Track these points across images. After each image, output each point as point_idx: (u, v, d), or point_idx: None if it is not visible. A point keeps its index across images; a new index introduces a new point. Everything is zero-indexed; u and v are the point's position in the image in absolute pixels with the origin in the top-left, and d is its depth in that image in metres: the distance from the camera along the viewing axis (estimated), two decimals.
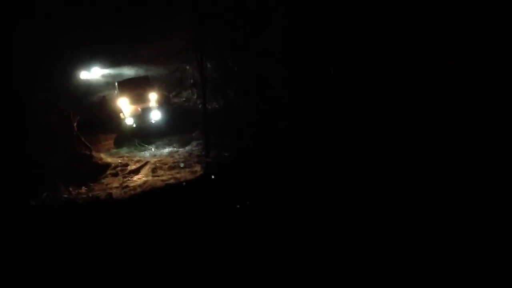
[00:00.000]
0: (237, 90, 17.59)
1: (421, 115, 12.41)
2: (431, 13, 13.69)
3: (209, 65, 16.50)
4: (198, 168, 14.42)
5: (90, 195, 13.31)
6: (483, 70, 12.40)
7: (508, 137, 10.40)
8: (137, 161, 15.68)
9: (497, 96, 11.76)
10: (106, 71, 20.47)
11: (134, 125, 17.45)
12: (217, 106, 17.78)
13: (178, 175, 14.13)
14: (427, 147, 11.06)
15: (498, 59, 12.36)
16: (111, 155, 16.45)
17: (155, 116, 17.66)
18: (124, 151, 16.89)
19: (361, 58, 14.50)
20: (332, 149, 12.21)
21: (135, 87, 18.17)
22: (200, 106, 14.59)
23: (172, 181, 13.69)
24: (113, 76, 20.56)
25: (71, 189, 13.81)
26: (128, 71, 21.14)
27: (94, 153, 15.94)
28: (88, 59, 19.34)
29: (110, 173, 14.96)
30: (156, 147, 16.95)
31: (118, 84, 18.30)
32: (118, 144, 17.40)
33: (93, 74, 20.31)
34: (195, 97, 19.20)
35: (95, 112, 18.07)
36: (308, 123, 14.11)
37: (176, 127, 17.81)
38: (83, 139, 16.07)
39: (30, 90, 14.61)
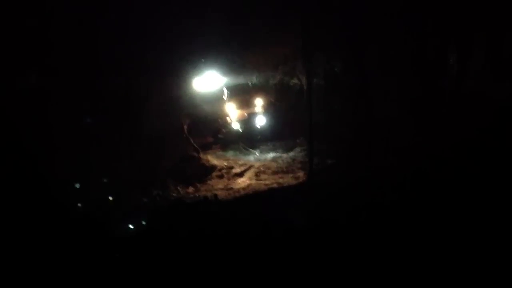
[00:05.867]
0: (343, 99, 17.35)
1: None
2: None
3: (315, 73, 16.46)
4: (301, 174, 14.40)
5: (197, 195, 13.81)
6: None
7: None
8: (242, 165, 16.07)
9: None
10: (217, 79, 21.19)
11: (240, 130, 17.99)
12: (322, 114, 17.69)
13: (281, 180, 14.17)
14: None
15: None
16: (217, 157, 17.04)
17: (260, 121, 18.07)
18: (229, 154, 17.44)
19: None
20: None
21: (242, 93, 18.79)
22: (304, 113, 14.63)
23: (275, 185, 13.78)
24: (222, 83, 21.25)
25: (179, 188, 14.46)
26: (236, 79, 21.76)
27: (201, 155, 16.63)
28: (200, 67, 20.11)
29: (215, 175, 15.44)
30: (260, 152, 17.26)
31: (226, 90, 18.97)
32: (224, 147, 18.03)
33: (206, 82, 21.12)
34: (300, 104, 19.26)
35: (204, 116, 18.85)
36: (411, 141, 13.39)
37: (280, 133, 18.08)
38: (192, 141, 16.81)
39: (146, 98, 15.51)
